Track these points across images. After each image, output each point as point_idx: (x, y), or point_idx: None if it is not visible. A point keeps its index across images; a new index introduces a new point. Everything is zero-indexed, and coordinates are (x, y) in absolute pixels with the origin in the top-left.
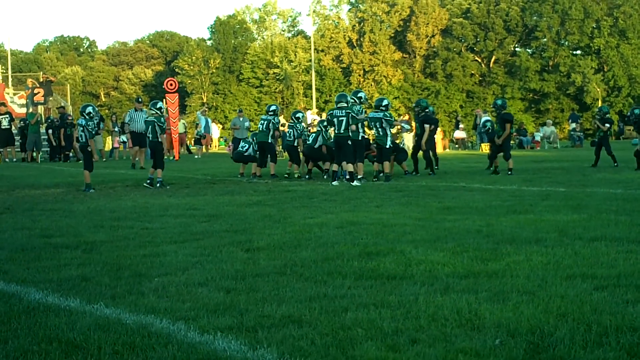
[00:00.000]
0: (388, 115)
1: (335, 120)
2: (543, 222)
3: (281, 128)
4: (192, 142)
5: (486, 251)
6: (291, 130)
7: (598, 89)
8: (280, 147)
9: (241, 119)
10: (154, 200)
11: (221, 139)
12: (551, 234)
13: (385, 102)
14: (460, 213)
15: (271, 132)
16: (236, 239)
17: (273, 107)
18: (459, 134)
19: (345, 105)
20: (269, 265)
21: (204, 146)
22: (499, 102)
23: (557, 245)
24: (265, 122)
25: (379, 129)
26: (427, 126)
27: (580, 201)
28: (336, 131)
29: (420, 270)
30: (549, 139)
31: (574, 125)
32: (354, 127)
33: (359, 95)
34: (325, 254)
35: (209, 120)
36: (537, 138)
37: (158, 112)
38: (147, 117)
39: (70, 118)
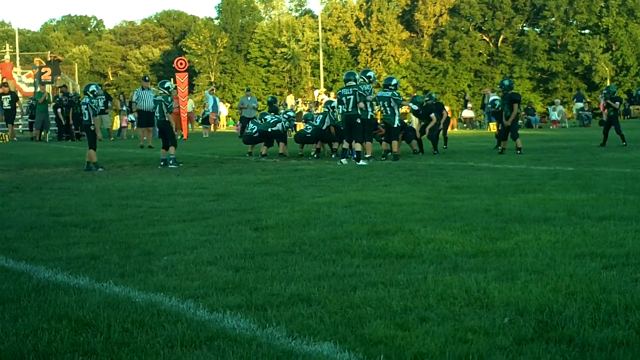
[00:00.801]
0: (397, 94)
1: (343, 99)
2: (552, 201)
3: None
4: (200, 121)
5: (495, 230)
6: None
7: (606, 68)
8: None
9: (249, 98)
10: (162, 179)
11: (229, 118)
12: (560, 213)
13: (394, 82)
14: (469, 192)
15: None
16: (244, 218)
17: (290, 114)
18: (467, 113)
19: (354, 83)
20: (277, 244)
21: (212, 125)
22: (506, 82)
23: (565, 225)
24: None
25: (387, 108)
26: (432, 115)
27: (588, 180)
28: (345, 110)
29: (429, 249)
30: (558, 119)
31: (579, 104)
32: (362, 104)
33: (368, 74)
34: (334, 233)
35: (217, 99)
36: (554, 117)
37: (166, 91)
38: (155, 97)
39: (71, 96)
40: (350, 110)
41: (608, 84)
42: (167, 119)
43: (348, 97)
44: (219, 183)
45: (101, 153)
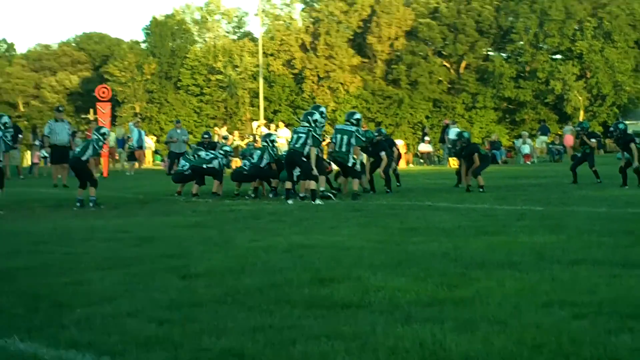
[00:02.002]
0: (360, 131)
1: (296, 136)
2: (517, 244)
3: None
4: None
5: (453, 276)
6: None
7: (580, 98)
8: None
9: (179, 130)
10: (78, 222)
11: (156, 154)
12: (526, 257)
13: (357, 116)
14: (425, 234)
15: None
16: (171, 265)
17: (227, 149)
18: (425, 147)
19: (307, 124)
20: (207, 293)
21: (137, 161)
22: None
23: (532, 270)
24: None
25: (344, 145)
26: (382, 154)
27: (559, 221)
28: (291, 146)
29: (379, 298)
30: (529, 153)
31: (544, 138)
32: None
33: (320, 110)
34: (272, 281)
35: (143, 132)
36: (526, 151)
37: (101, 137)
38: (70, 128)
39: None
40: (297, 147)
41: (581, 115)
42: (83, 159)
43: (300, 135)
44: (142, 226)
45: (9, 193)
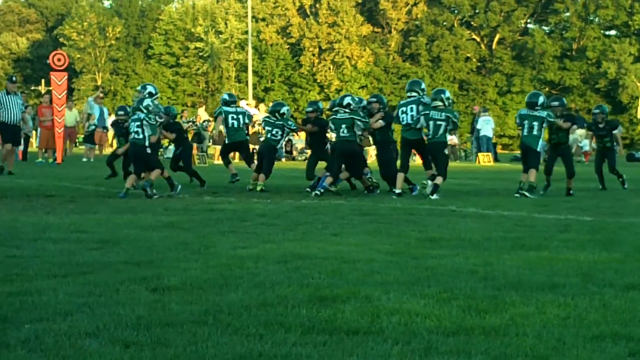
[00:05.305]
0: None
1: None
2: (561, 261)
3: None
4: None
5: (483, 299)
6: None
7: (638, 84)
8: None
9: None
10: (25, 218)
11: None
12: (572, 278)
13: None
14: (449, 247)
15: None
16: (139, 274)
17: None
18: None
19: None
20: (183, 311)
21: (97, 145)
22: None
23: (579, 294)
24: None
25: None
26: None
27: (612, 235)
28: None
29: (393, 324)
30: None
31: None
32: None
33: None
34: (262, 298)
35: (105, 110)
36: (586, 148)
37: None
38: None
39: None
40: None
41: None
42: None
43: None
44: (104, 225)
45: None
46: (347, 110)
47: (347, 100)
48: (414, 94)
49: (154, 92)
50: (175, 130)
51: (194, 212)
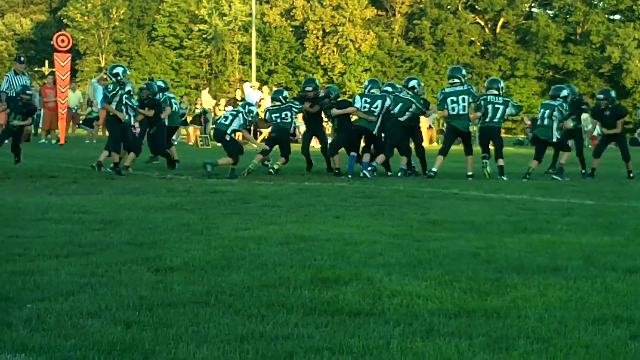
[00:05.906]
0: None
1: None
2: (563, 245)
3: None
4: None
5: (485, 282)
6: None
7: None
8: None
9: None
10: (28, 198)
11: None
12: (574, 261)
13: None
14: (451, 230)
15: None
16: (141, 255)
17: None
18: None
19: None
20: (185, 291)
21: (100, 127)
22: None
23: (581, 277)
24: None
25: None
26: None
27: (614, 219)
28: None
29: (394, 305)
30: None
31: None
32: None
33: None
34: (264, 279)
35: None
36: (595, 132)
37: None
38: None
39: None
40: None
41: None
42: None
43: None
44: (107, 206)
45: None
46: (409, 93)
47: (413, 83)
48: (456, 80)
49: (120, 72)
50: (153, 107)
51: (196, 193)
